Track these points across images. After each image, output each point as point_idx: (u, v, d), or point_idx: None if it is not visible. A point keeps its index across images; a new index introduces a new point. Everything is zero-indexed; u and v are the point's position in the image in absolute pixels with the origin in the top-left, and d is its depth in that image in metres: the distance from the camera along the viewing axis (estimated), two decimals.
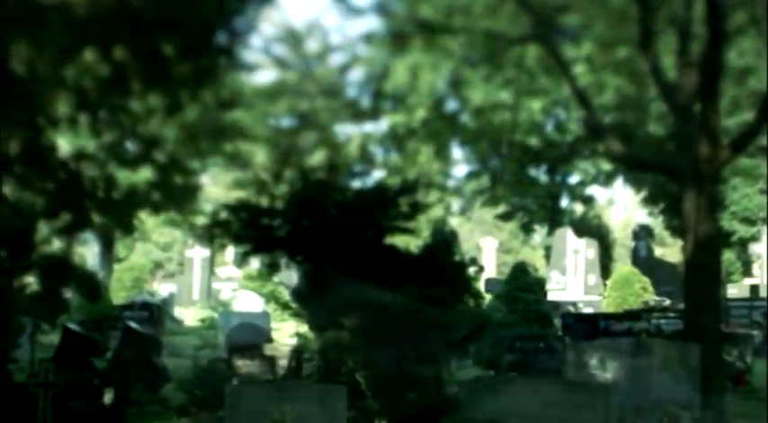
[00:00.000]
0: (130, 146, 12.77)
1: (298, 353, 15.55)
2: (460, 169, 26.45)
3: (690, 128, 13.06)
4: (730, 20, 13.36)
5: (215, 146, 14.26)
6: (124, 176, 12.53)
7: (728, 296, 29.43)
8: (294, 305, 15.50)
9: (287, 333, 21.34)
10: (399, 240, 14.56)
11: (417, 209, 14.38)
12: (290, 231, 14.00)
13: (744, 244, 40.48)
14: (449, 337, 12.90)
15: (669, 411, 11.85)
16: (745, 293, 33.87)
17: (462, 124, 17.17)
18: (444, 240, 16.93)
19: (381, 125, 16.40)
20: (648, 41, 13.47)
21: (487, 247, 40.89)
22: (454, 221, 36.22)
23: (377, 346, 12.06)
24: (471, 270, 16.84)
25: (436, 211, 22.53)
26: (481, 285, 29.35)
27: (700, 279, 13.11)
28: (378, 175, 15.88)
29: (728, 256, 40.38)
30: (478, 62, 15.49)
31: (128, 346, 14.71)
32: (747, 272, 40.71)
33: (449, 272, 14.12)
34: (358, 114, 15.77)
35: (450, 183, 22.46)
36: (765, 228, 39.28)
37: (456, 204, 30.92)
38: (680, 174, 13.46)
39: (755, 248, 38.60)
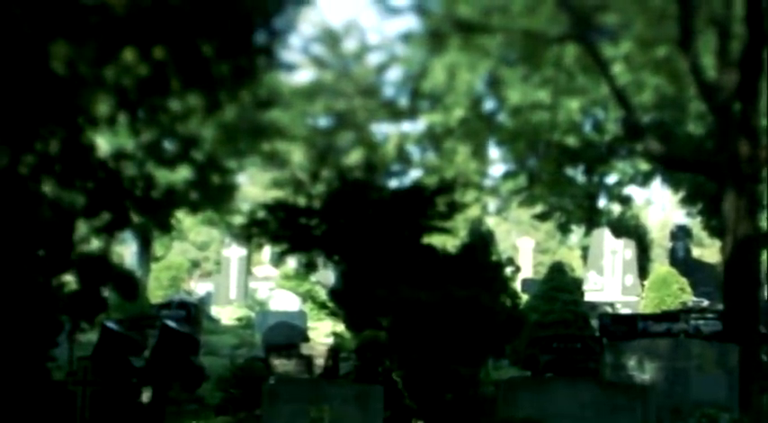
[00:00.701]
0: (169, 145, 12.83)
1: (334, 352, 15.58)
2: (497, 169, 26.35)
3: (729, 127, 12.98)
4: None
5: (253, 145, 14.30)
6: (162, 175, 12.58)
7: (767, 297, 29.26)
8: (331, 304, 15.52)
9: (323, 332, 21.38)
10: (436, 240, 14.55)
11: (454, 208, 14.37)
12: (326, 231, 14.02)
13: None
14: (486, 337, 12.89)
15: (707, 413, 11.79)
16: None
17: (500, 124, 17.12)
18: (481, 240, 16.93)
19: (419, 125, 16.39)
20: (688, 40, 13.40)
21: (524, 247, 40.77)
22: (491, 221, 36.16)
23: (413, 345, 12.08)
24: (508, 270, 16.80)
25: (473, 211, 22.48)
26: (518, 285, 29.26)
27: (738, 280, 13.03)
28: (415, 174, 15.88)
29: None
30: (516, 61, 15.45)
31: (165, 344, 14.76)
32: None
33: (486, 272, 14.09)
34: (395, 114, 15.77)
35: (487, 182, 22.31)
36: None
37: (493, 204, 30.77)
38: (719, 174, 13.38)
39: None
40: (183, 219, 24.46)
